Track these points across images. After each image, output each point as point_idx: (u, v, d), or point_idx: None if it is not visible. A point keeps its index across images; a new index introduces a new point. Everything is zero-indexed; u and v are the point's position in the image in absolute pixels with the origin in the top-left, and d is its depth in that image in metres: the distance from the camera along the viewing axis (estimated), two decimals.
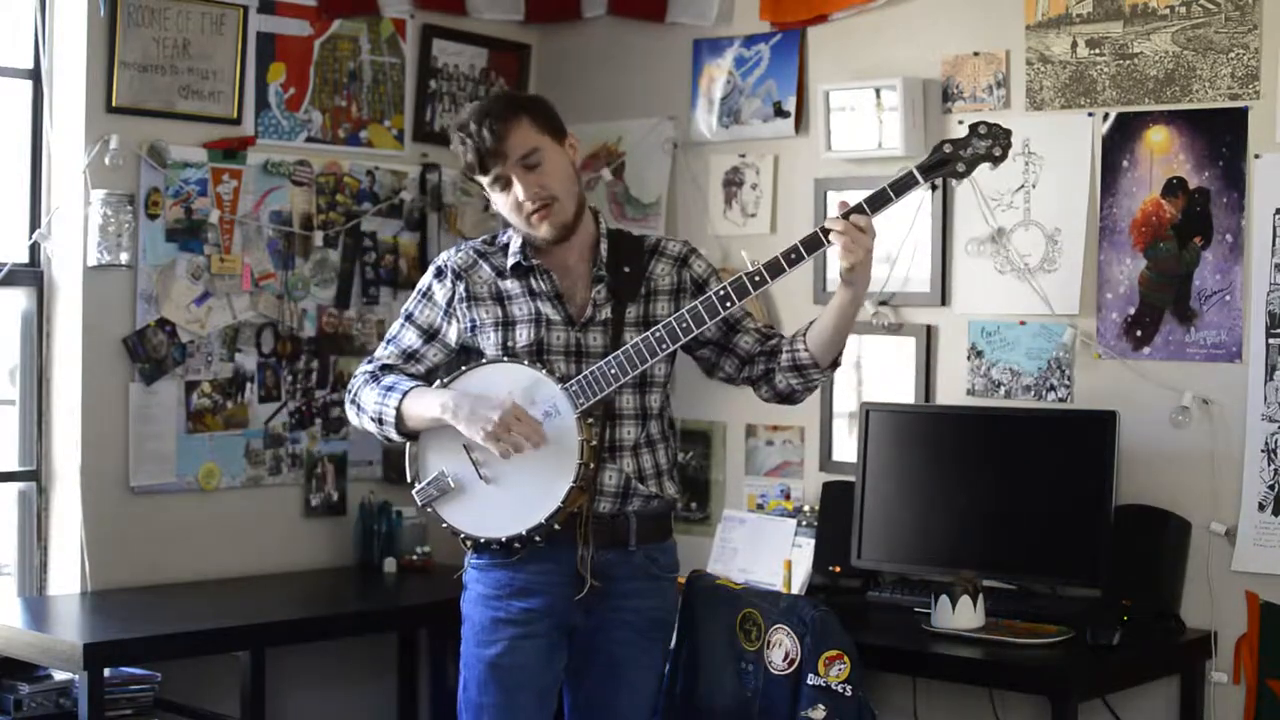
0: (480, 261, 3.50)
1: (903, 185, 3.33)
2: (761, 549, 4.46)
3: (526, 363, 3.38)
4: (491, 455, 3.34)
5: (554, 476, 3.33)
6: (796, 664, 3.70)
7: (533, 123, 3.38)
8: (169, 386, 4.61)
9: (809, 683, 3.66)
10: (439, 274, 3.52)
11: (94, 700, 3.89)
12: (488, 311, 3.46)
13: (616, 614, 3.44)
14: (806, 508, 4.57)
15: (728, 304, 3.34)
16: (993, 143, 3.34)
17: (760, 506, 4.74)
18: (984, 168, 3.37)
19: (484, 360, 3.43)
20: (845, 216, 3.30)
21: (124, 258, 4.45)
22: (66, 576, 4.47)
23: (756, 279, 3.33)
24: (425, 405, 3.38)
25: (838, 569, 4.36)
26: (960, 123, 3.36)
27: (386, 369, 3.52)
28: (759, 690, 3.78)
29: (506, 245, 3.50)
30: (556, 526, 3.34)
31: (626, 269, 3.45)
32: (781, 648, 3.73)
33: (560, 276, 3.45)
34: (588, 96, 5.17)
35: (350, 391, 3.55)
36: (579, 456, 3.32)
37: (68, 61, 4.48)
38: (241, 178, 4.73)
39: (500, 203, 3.43)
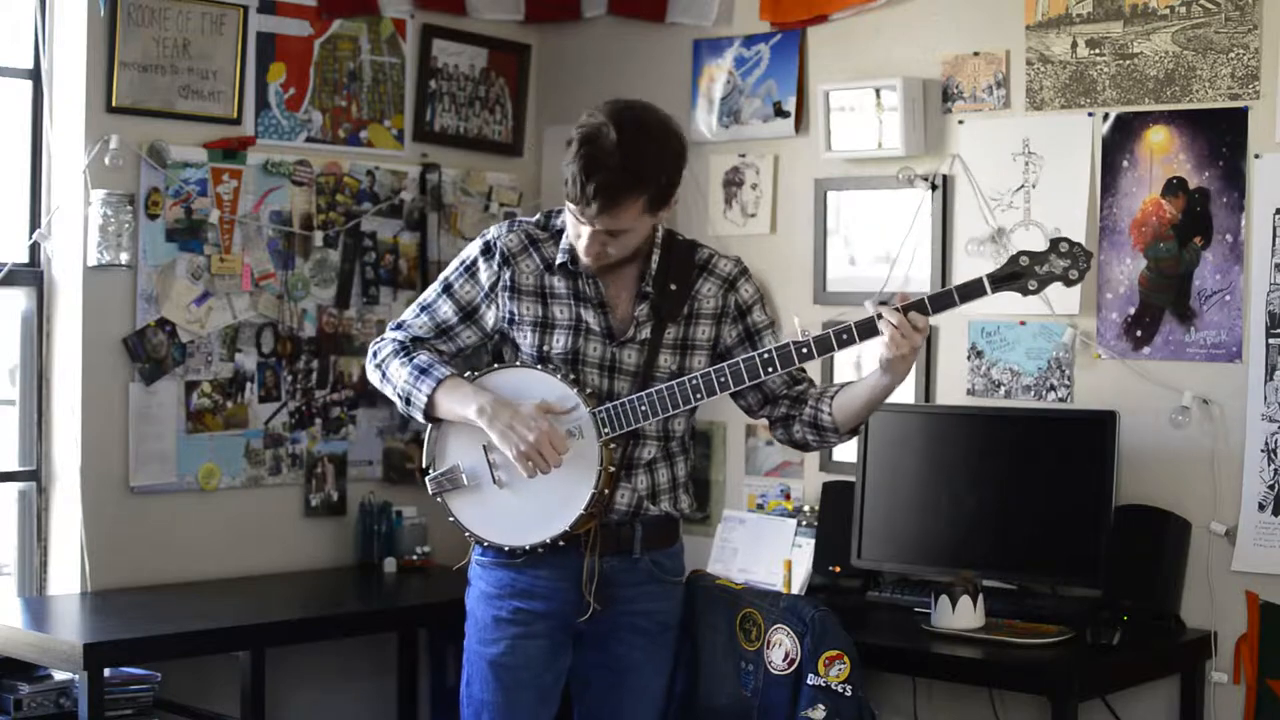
0: (530, 249, 3.41)
1: (968, 293, 3.23)
2: (761, 549, 4.45)
3: (560, 376, 3.33)
4: (509, 460, 3.31)
5: (567, 497, 3.32)
6: (796, 664, 3.69)
7: (644, 206, 3.26)
8: (169, 386, 4.61)
9: (809, 683, 3.66)
10: (487, 251, 3.42)
11: (94, 700, 3.89)
12: (529, 308, 3.39)
13: (624, 619, 3.43)
14: (806, 508, 4.57)
15: (770, 369, 3.30)
16: (1071, 264, 3.21)
17: (760, 506, 4.74)
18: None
19: (518, 362, 3.40)
20: (904, 310, 3.21)
21: (124, 258, 4.45)
22: (66, 576, 4.47)
23: (804, 350, 3.28)
24: (460, 402, 3.34)
25: (838, 569, 4.36)
26: (1028, 233, 3.14)
27: (418, 341, 3.44)
28: (759, 690, 3.78)
29: (559, 233, 3.40)
30: (561, 543, 3.34)
31: (673, 286, 3.39)
32: (781, 648, 3.73)
33: (607, 283, 3.39)
34: (588, 96, 5.12)
35: (376, 355, 3.47)
36: (595, 485, 3.30)
37: (68, 61, 4.47)
38: (241, 178, 4.72)
39: (569, 223, 3.33)
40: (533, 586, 3.39)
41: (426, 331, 3.46)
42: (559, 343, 3.37)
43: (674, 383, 3.32)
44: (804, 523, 4.46)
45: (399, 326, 3.49)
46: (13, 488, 4.53)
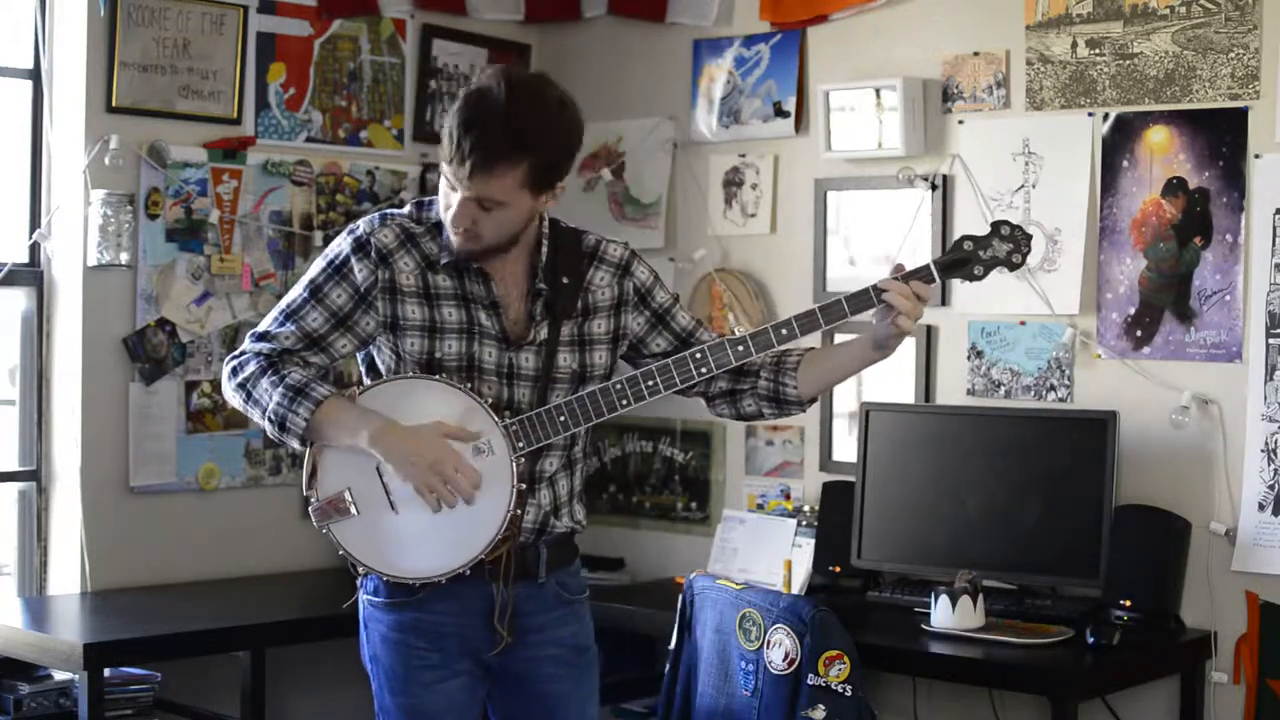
0: (408, 244, 3.01)
1: (916, 275, 3.03)
2: (761, 549, 4.46)
3: (458, 386, 2.98)
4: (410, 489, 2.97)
5: (477, 520, 2.96)
6: (796, 664, 3.70)
7: (526, 174, 2.90)
8: (169, 386, 4.61)
9: (809, 683, 3.66)
10: (360, 248, 3.01)
11: (94, 700, 3.89)
12: (413, 310, 3.01)
13: (540, 650, 3.10)
14: (806, 508, 4.57)
15: (703, 370, 3.03)
16: (1013, 248, 3.05)
17: (760, 506, 4.74)
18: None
19: (407, 374, 3.01)
20: (904, 280, 3.01)
21: (124, 258, 4.45)
22: (66, 576, 4.47)
23: (740, 348, 3.03)
24: (347, 429, 2.95)
25: (838, 569, 4.36)
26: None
27: (285, 355, 3.01)
28: (759, 690, 3.79)
29: (438, 225, 3.02)
30: (467, 572, 2.99)
31: (565, 279, 3.05)
32: (781, 648, 3.73)
33: (496, 280, 3.03)
34: (588, 96, 5.08)
35: (238, 371, 3.02)
36: (509, 505, 2.96)
37: (68, 61, 4.47)
38: (241, 178, 4.72)
39: (441, 189, 2.98)
40: (439, 624, 3.04)
41: (294, 343, 3.01)
42: (450, 348, 3.01)
43: (596, 390, 3.02)
44: (804, 523, 4.46)
45: (260, 338, 3.04)
46: (13, 488, 4.52)
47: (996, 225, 3.08)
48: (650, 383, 3.02)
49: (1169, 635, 3.99)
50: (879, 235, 4.58)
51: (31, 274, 4.51)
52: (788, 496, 4.71)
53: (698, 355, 3.04)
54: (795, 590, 4.29)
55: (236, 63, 4.70)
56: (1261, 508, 3.97)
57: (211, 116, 4.67)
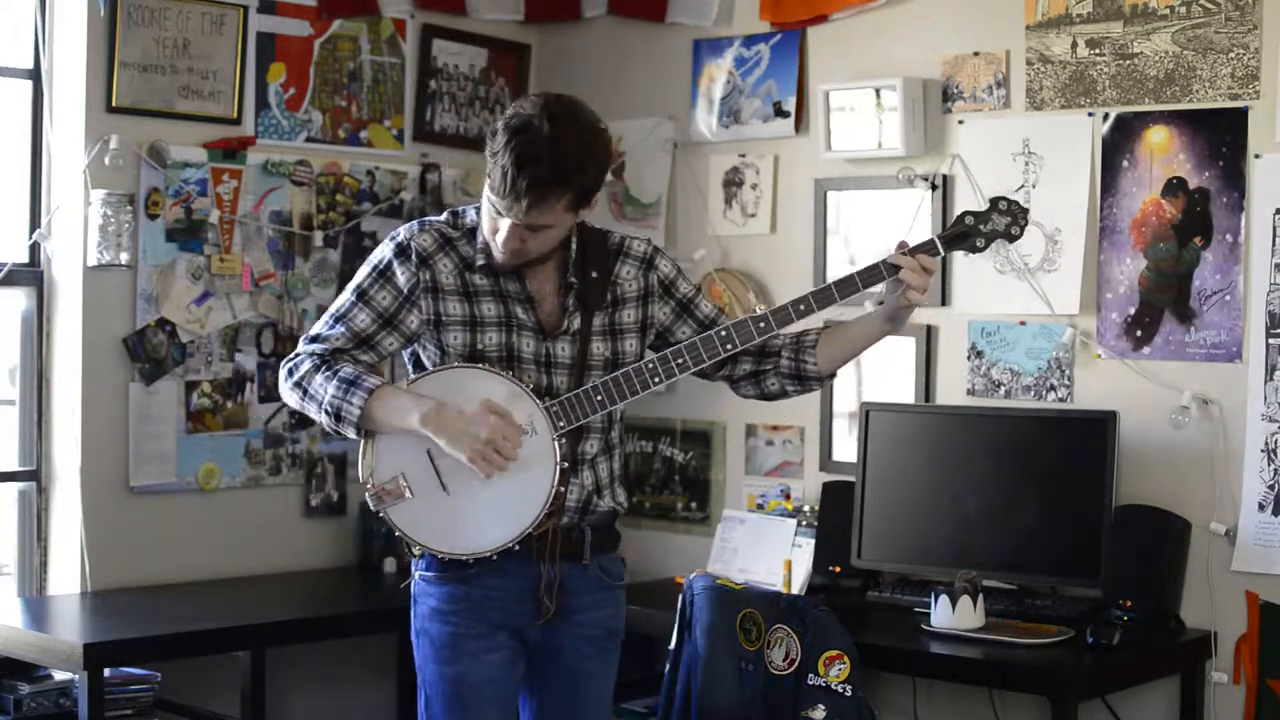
0: (446, 248, 3.25)
1: (943, 242, 3.30)
2: (761, 549, 4.46)
3: (500, 373, 3.19)
4: (458, 464, 3.15)
5: (524, 497, 3.17)
6: (796, 664, 3.70)
7: (569, 204, 3.14)
8: (169, 386, 4.61)
9: (809, 683, 3.66)
10: (401, 253, 3.24)
11: (94, 700, 3.89)
12: (455, 306, 3.23)
13: (575, 628, 3.31)
14: (806, 508, 4.57)
15: (729, 346, 3.25)
16: (1011, 220, 3.32)
17: (760, 506, 4.74)
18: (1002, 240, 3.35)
19: (453, 364, 3.22)
20: (910, 254, 3.23)
21: (124, 258, 4.45)
22: (66, 576, 4.47)
23: (761, 325, 3.25)
24: (397, 412, 3.15)
25: (838, 569, 4.36)
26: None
27: (337, 354, 3.22)
28: (759, 690, 3.79)
29: (473, 230, 3.27)
30: (516, 547, 3.20)
31: (594, 274, 3.29)
32: (781, 647, 3.73)
33: (529, 277, 3.26)
34: (588, 96, 5.05)
35: (293, 372, 3.22)
36: (553, 481, 3.17)
37: (68, 61, 4.48)
38: (241, 178, 4.73)
39: (485, 213, 3.21)
40: (487, 599, 3.24)
41: (344, 343, 3.23)
42: (491, 340, 3.23)
43: (629, 369, 3.22)
44: (804, 523, 4.46)
45: (313, 340, 3.26)
46: (13, 488, 4.53)
47: (995, 201, 3.33)
48: (680, 360, 3.24)
49: (1169, 635, 3.99)
50: (879, 235, 4.58)
51: (31, 274, 4.51)
52: (788, 496, 4.71)
53: (723, 333, 3.26)
54: (795, 590, 4.29)
55: (236, 63, 4.70)
56: (1261, 508, 3.97)
57: (211, 116, 4.67)
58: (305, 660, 4.79)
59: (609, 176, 5.05)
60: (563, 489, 3.20)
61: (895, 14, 4.56)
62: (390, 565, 4.91)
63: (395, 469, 3.20)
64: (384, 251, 3.27)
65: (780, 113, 4.79)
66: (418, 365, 3.31)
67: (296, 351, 3.26)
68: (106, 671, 4.01)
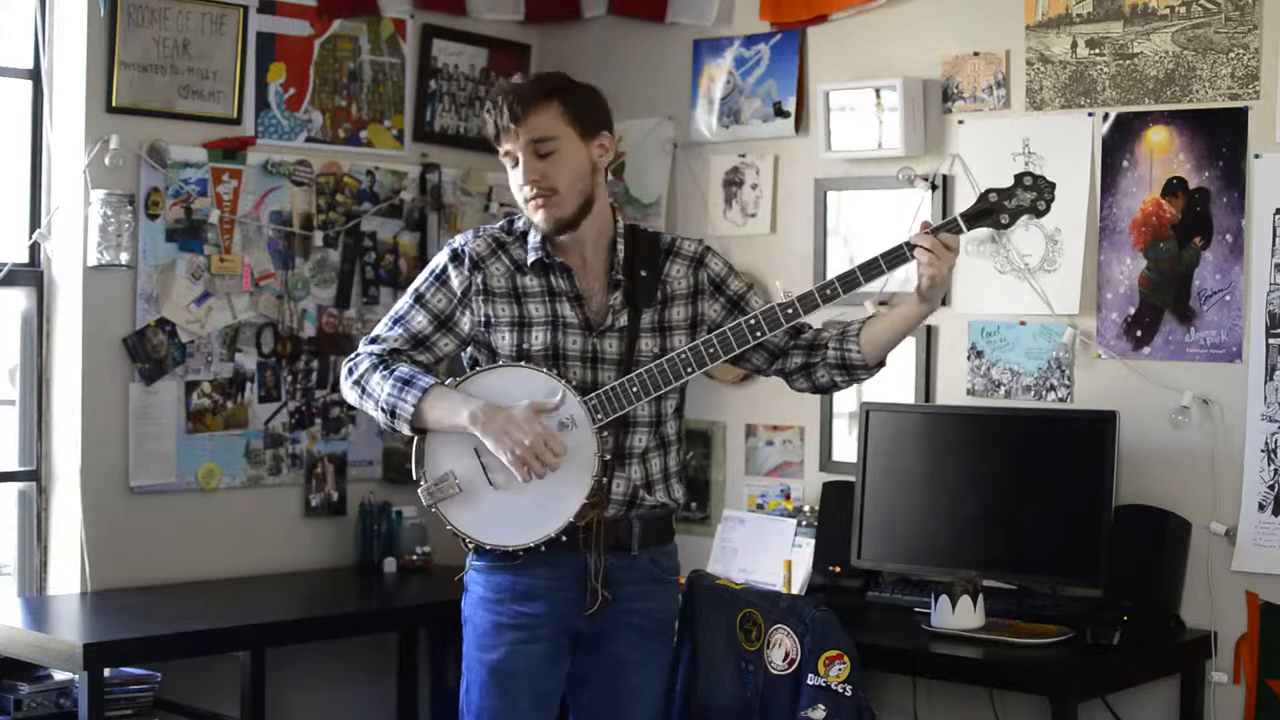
0: (499, 252, 3.41)
1: (946, 228, 3.31)
2: (761, 549, 4.46)
3: (544, 370, 3.31)
4: (506, 465, 3.28)
5: (566, 489, 3.28)
6: (796, 664, 3.70)
7: (562, 110, 3.33)
8: (169, 386, 4.61)
9: (809, 683, 3.66)
10: (456, 258, 3.41)
11: (94, 700, 3.89)
12: (504, 309, 3.38)
13: (622, 618, 3.40)
14: (806, 508, 4.57)
15: (758, 334, 3.32)
16: (1037, 195, 3.34)
17: (760, 506, 4.74)
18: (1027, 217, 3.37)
19: (499, 363, 3.37)
20: (933, 233, 3.27)
21: (124, 258, 4.45)
22: (66, 576, 4.47)
23: (789, 311, 3.31)
24: (448, 411, 3.29)
25: (838, 569, 4.36)
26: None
27: (394, 354, 3.39)
28: (759, 690, 3.78)
29: (525, 234, 3.42)
30: (564, 538, 3.31)
31: (643, 272, 3.41)
32: (781, 648, 3.73)
33: (579, 275, 3.40)
34: None
35: (353, 371, 3.40)
36: (594, 473, 3.28)
37: (68, 61, 4.48)
38: (241, 178, 4.73)
39: (510, 180, 3.38)
40: (532, 588, 3.36)
41: (402, 344, 3.40)
42: (538, 339, 3.36)
43: (663, 360, 3.31)
44: (804, 523, 4.47)
45: (372, 341, 3.43)
46: (13, 488, 4.53)
47: (1019, 176, 3.33)
48: (710, 349, 3.32)
49: (1169, 635, 3.99)
50: (879, 235, 4.57)
51: (31, 274, 4.51)
52: (788, 496, 4.71)
53: (751, 321, 3.33)
54: (795, 590, 4.29)
55: (236, 63, 4.70)
56: (1261, 508, 3.97)
57: (211, 116, 4.67)
58: (305, 660, 4.79)
59: (609, 176, 5.10)
60: (605, 480, 3.32)
61: (895, 14, 4.56)
62: (390, 565, 4.92)
63: (445, 467, 3.34)
64: (441, 257, 3.44)
65: (780, 113, 4.79)
66: (473, 366, 3.45)
67: (357, 351, 3.44)
68: (106, 671, 4.01)
